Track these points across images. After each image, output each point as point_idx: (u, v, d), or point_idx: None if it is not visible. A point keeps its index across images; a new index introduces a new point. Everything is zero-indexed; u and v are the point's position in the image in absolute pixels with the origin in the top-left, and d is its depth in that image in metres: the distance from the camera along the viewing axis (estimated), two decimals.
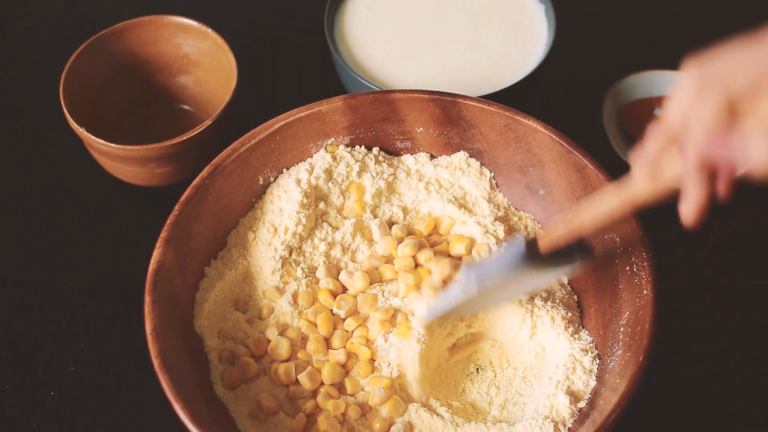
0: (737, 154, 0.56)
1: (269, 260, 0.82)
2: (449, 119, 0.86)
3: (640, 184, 0.64)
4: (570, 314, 0.80)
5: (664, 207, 0.95)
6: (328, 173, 0.86)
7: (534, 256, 0.72)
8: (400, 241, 0.83)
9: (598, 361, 0.77)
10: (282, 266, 0.82)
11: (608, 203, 0.68)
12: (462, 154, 0.88)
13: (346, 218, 0.85)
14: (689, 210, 0.60)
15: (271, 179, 0.87)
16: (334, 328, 0.80)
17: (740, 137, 0.56)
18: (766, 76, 0.55)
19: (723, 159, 0.57)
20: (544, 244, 0.72)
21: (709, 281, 0.92)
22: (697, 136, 0.57)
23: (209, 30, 0.97)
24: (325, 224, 0.85)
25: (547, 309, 0.80)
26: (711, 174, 0.59)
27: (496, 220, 0.84)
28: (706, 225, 0.95)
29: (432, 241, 0.84)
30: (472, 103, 0.85)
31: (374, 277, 0.82)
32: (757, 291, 0.91)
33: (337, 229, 0.85)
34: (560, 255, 0.73)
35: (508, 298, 0.78)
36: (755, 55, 0.55)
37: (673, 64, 1.03)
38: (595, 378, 0.76)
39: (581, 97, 1.04)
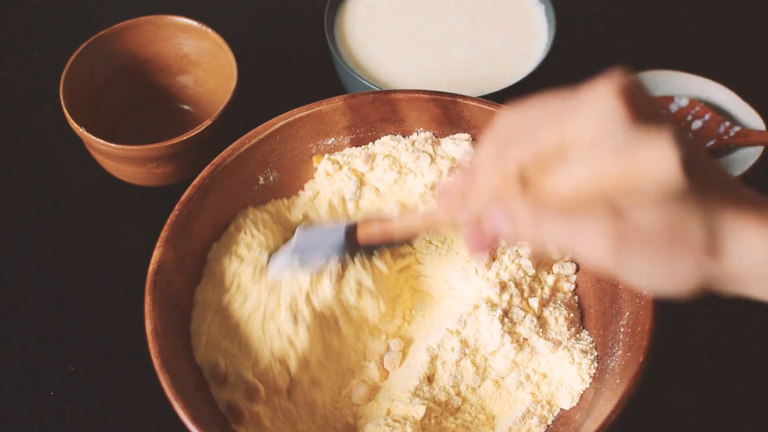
0: (505, 228, 0.56)
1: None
2: (449, 119, 0.86)
3: (439, 213, 0.66)
4: (572, 315, 0.80)
5: None
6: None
7: (351, 241, 0.77)
8: None
9: (597, 362, 0.78)
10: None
11: (416, 220, 0.71)
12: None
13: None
14: (466, 244, 0.62)
15: (271, 178, 0.87)
16: None
17: (511, 210, 0.55)
18: (562, 147, 0.52)
19: (493, 226, 0.57)
20: (361, 234, 0.76)
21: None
22: (478, 197, 0.58)
23: (209, 30, 0.97)
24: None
25: (550, 310, 0.80)
26: (480, 230, 0.60)
27: None
28: None
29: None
30: (473, 103, 0.85)
31: None
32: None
33: None
34: (369, 248, 0.79)
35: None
36: (560, 118, 0.52)
37: (673, 64, 1.03)
38: (594, 378, 0.76)
39: None
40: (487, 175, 0.57)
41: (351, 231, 0.77)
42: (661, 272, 0.53)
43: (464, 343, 0.79)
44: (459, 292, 0.82)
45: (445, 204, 0.63)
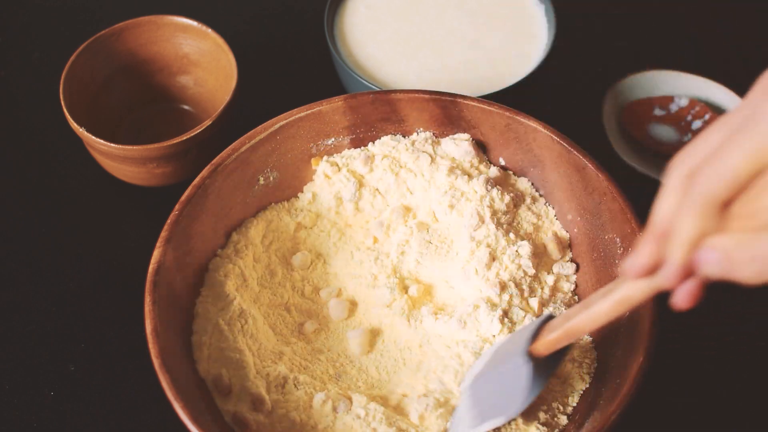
0: (722, 270, 0.51)
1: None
2: (449, 119, 0.86)
3: (635, 290, 0.61)
4: None
5: None
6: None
7: (537, 365, 0.70)
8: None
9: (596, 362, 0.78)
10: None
11: (607, 307, 0.64)
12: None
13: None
14: (676, 304, 0.57)
15: (271, 178, 0.87)
16: None
17: (723, 248, 0.50)
18: (759, 159, 0.48)
19: (706, 273, 0.53)
20: (541, 348, 0.70)
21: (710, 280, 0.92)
22: (679, 249, 0.53)
23: (209, 30, 0.97)
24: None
25: (550, 310, 0.80)
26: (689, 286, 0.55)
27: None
28: None
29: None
30: (473, 103, 0.85)
31: None
32: (758, 290, 0.91)
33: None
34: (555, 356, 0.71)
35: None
36: (746, 131, 0.48)
37: (673, 64, 1.03)
38: (594, 378, 0.76)
39: (581, 97, 1.04)
40: (682, 221, 0.51)
41: (531, 355, 0.70)
42: None
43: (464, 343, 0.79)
44: (459, 292, 0.82)
45: (641, 273, 0.56)
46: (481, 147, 0.88)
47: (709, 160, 0.50)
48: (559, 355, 0.71)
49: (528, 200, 0.86)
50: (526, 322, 0.78)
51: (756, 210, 0.49)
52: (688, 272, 0.54)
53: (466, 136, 0.87)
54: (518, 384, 0.71)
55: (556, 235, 0.84)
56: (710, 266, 0.51)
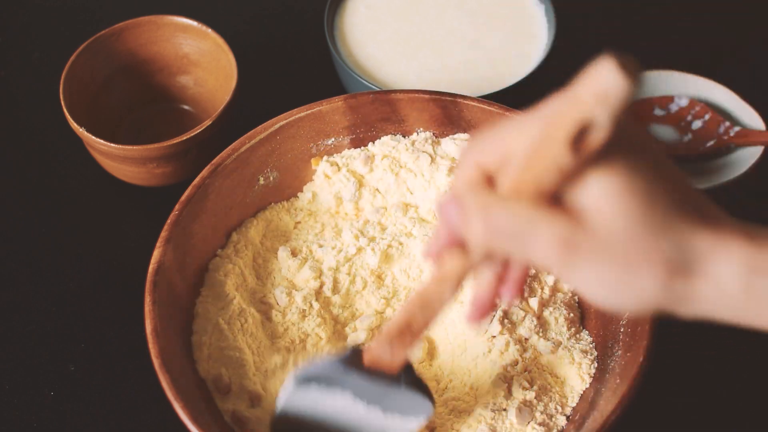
0: (455, 222, 0.54)
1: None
2: (450, 119, 0.86)
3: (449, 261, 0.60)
4: (572, 315, 0.80)
5: None
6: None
7: (359, 365, 0.67)
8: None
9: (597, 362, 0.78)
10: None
11: (426, 290, 0.63)
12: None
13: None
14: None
15: (271, 178, 0.87)
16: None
17: (463, 204, 0.53)
18: (512, 153, 0.52)
19: (446, 222, 0.55)
20: (367, 358, 0.67)
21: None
22: (444, 201, 0.55)
23: (209, 30, 0.97)
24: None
25: (550, 310, 0.80)
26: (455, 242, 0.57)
27: None
28: None
29: None
30: (473, 103, 0.85)
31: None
32: None
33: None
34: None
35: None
36: (516, 131, 0.52)
37: (673, 64, 1.03)
38: (594, 378, 0.76)
39: None
40: (454, 179, 0.56)
41: (355, 352, 0.67)
42: (616, 285, 0.51)
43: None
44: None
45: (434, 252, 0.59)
46: None
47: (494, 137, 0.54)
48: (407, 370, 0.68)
49: None
50: (527, 323, 0.78)
51: (506, 186, 0.52)
52: (449, 231, 0.56)
53: (466, 136, 0.87)
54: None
55: None
56: (449, 215, 0.54)
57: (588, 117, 0.48)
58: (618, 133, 0.49)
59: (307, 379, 0.69)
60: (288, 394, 0.69)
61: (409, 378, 0.68)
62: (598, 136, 0.49)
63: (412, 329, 0.64)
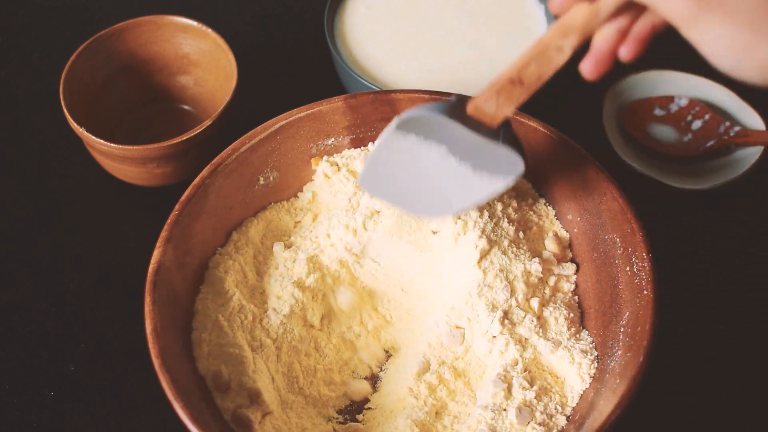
0: None
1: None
2: None
3: (573, 13, 0.60)
4: (572, 315, 0.80)
5: (663, 204, 0.95)
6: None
7: (462, 114, 0.66)
8: None
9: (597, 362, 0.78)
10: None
11: (547, 33, 0.62)
12: None
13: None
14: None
15: (271, 178, 0.87)
16: None
17: None
18: None
19: None
20: (471, 106, 0.66)
21: (711, 281, 0.92)
22: None
23: (209, 30, 0.97)
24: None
25: (550, 310, 0.80)
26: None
27: None
28: (707, 224, 0.96)
29: None
30: None
31: None
32: (759, 291, 0.91)
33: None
34: (495, 133, 0.67)
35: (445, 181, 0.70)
36: None
37: (673, 64, 1.03)
38: (594, 378, 0.76)
39: (581, 97, 1.04)
40: None
41: (456, 110, 0.65)
42: (742, 45, 0.51)
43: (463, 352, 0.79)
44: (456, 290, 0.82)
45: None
46: None
47: None
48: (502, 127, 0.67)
49: (529, 200, 0.86)
50: (527, 323, 0.78)
51: None
52: None
53: None
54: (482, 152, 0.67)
55: (556, 234, 0.84)
56: None
57: None
58: None
59: (408, 125, 0.67)
60: (386, 138, 0.68)
61: (506, 134, 0.66)
62: None
63: (523, 82, 0.62)
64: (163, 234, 0.78)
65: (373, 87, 0.94)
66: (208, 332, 0.78)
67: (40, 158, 1.02)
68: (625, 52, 0.59)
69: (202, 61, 1.00)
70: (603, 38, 0.59)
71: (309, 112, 0.86)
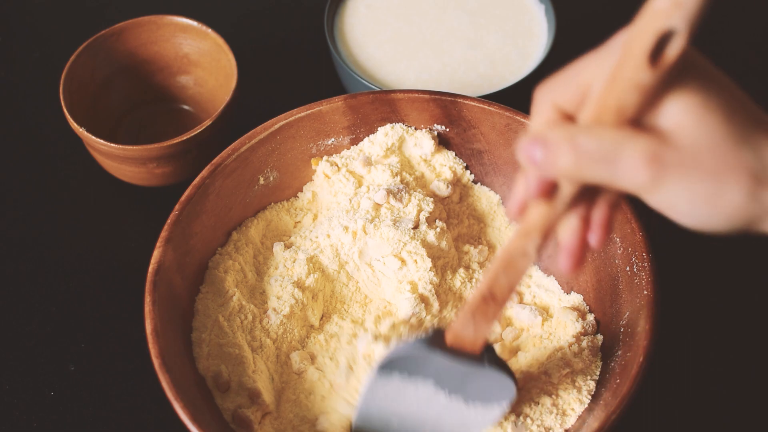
0: (542, 158, 0.54)
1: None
2: (449, 119, 0.86)
3: (532, 214, 0.60)
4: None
5: None
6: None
7: (442, 345, 0.65)
8: None
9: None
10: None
11: (504, 255, 0.61)
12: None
13: None
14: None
15: (271, 178, 0.87)
16: None
17: (547, 139, 0.53)
18: (589, 88, 0.54)
19: (531, 164, 0.55)
20: (450, 336, 0.66)
21: (711, 281, 0.92)
22: (526, 143, 0.55)
23: (209, 30, 0.97)
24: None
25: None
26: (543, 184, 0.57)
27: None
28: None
29: None
30: (473, 103, 0.85)
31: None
32: (759, 291, 0.91)
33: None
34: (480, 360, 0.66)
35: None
36: (593, 64, 0.54)
37: None
38: (594, 379, 0.76)
39: None
40: (532, 123, 0.57)
41: (437, 333, 0.65)
42: (706, 198, 0.51)
43: None
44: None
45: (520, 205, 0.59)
46: (480, 156, 0.87)
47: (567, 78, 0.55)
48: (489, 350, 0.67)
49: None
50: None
51: (586, 116, 0.53)
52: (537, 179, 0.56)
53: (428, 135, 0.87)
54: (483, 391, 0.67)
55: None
56: (533, 154, 0.54)
57: (665, 25, 0.49)
58: (689, 54, 0.51)
59: (389, 367, 0.67)
60: (369, 384, 0.68)
61: (490, 357, 0.66)
62: (676, 46, 0.49)
63: (496, 297, 0.62)
64: (163, 234, 0.78)
65: (373, 87, 0.94)
66: (208, 332, 0.78)
67: (40, 158, 1.02)
68: (594, 240, 0.59)
69: (202, 61, 1.00)
70: (569, 232, 0.59)
71: (309, 112, 0.86)
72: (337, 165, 0.87)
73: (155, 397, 0.75)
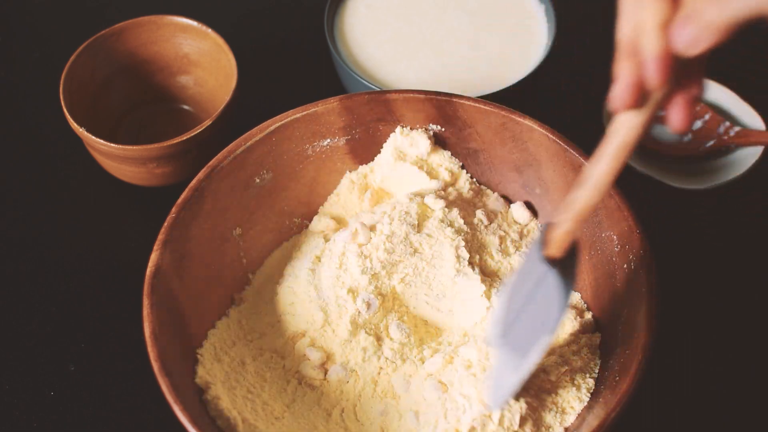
0: (692, 38, 0.55)
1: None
2: (445, 119, 0.86)
3: (626, 125, 0.61)
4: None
5: (663, 204, 0.95)
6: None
7: (553, 263, 0.68)
8: None
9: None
10: None
11: (602, 165, 0.64)
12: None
13: None
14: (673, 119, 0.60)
15: (267, 179, 0.86)
16: None
17: (689, 20, 0.55)
18: None
19: (680, 49, 0.56)
20: (555, 246, 0.68)
21: (710, 281, 0.92)
22: (651, 37, 0.56)
23: (209, 30, 0.97)
24: None
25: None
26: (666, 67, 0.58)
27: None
28: (706, 224, 0.96)
29: None
30: (468, 103, 0.85)
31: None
32: (759, 291, 0.91)
33: None
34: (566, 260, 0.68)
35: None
36: None
37: None
38: (593, 377, 0.76)
39: (582, 97, 1.04)
40: (642, 15, 0.56)
41: (549, 260, 0.67)
42: None
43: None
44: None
45: (629, 95, 0.59)
46: (476, 155, 0.88)
47: None
48: (573, 252, 0.68)
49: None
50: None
51: None
52: (667, 60, 0.57)
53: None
54: (547, 298, 0.68)
55: None
56: (681, 35, 0.55)
57: None
58: None
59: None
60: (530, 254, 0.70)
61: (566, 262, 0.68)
62: None
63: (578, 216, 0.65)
64: (160, 237, 0.77)
65: (373, 87, 0.94)
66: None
67: (40, 158, 1.02)
68: (677, 119, 0.60)
69: (202, 61, 1.00)
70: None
71: (304, 113, 0.85)
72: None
73: (155, 398, 0.75)
